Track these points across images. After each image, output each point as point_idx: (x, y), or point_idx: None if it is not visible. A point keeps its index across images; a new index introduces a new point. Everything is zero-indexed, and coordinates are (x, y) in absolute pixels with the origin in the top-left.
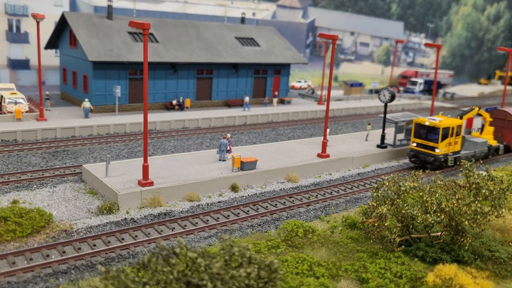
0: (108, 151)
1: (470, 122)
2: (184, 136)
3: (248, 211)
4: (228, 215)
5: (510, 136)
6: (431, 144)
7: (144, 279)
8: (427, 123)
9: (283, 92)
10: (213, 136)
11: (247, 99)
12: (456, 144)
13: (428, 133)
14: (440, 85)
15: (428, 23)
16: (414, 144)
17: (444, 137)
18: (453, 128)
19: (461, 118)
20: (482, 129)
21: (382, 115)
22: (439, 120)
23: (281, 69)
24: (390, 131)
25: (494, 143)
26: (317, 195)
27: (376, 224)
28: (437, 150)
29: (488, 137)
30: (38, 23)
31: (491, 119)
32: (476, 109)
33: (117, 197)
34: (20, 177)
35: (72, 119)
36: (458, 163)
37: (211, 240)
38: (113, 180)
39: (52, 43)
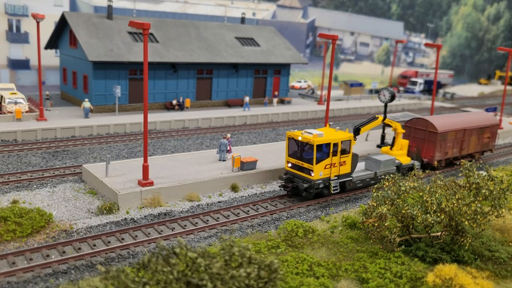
0: (108, 151)
1: None
2: (184, 136)
3: (248, 211)
4: (228, 215)
5: (432, 150)
6: (306, 165)
7: (144, 279)
8: (300, 138)
9: (283, 92)
10: (213, 136)
11: (247, 99)
12: (343, 165)
13: (303, 151)
14: (440, 85)
15: (428, 23)
16: (289, 165)
17: (323, 156)
18: (336, 144)
19: (358, 130)
20: (392, 143)
21: (382, 115)
22: (314, 135)
23: (281, 69)
24: (390, 131)
25: (406, 160)
26: None
27: (376, 224)
28: (312, 174)
29: (399, 153)
30: (38, 23)
31: (403, 131)
32: (380, 118)
33: (117, 197)
34: (20, 177)
35: (72, 119)
36: (348, 189)
37: (211, 240)
38: (113, 180)
39: (52, 43)
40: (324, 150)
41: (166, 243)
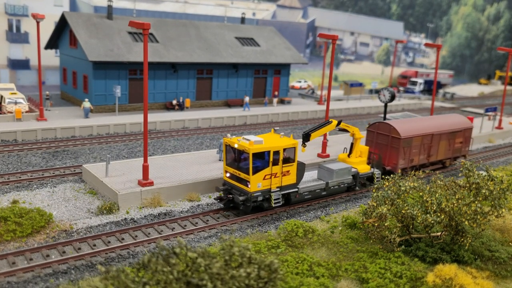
0: (108, 151)
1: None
2: (184, 136)
3: None
4: (228, 215)
5: (395, 158)
6: (243, 176)
7: (144, 279)
8: (236, 146)
9: (283, 92)
10: (213, 136)
11: (247, 99)
12: (287, 175)
13: (240, 160)
14: (440, 85)
15: (428, 23)
16: (227, 175)
17: (262, 165)
18: (276, 152)
19: (307, 135)
20: (350, 149)
21: (382, 115)
22: (250, 142)
23: (281, 69)
24: None
25: (365, 169)
26: None
27: (376, 224)
28: (249, 185)
29: (357, 161)
30: (38, 23)
31: (362, 136)
32: (334, 122)
33: (117, 197)
34: (20, 177)
35: (72, 119)
36: (294, 201)
37: (211, 240)
38: (113, 180)
39: (52, 43)
40: (263, 159)
41: (166, 243)
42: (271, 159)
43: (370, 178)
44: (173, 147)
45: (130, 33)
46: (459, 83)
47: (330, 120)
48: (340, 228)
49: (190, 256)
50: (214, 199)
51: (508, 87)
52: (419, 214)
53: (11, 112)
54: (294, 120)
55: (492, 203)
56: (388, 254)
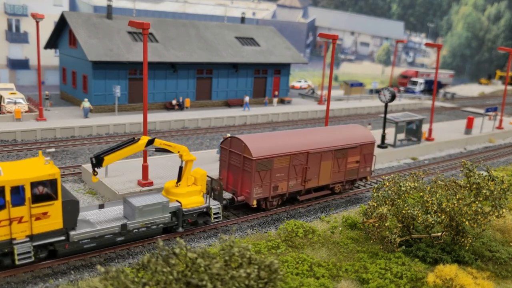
0: None
1: (470, 122)
2: (184, 136)
3: (248, 211)
4: (228, 215)
5: (249, 184)
6: None
7: (143, 280)
8: None
9: (283, 92)
10: (213, 136)
11: (247, 99)
12: (43, 219)
13: None
14: (440, 85)
15: (429, 23)
16: None
17: None
18: (17, 188)
19: (99, 159)
20: (179, 175)
21: (383, 115)
22: None
23: (281, 69)
24: (390, 131)
25: (196, 202)
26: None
27: (376, 225)
28: None
29: (186, 191)
30: (37, 23)
31: (194, 158)
32: (144, 140)
33: (117, 197)
34: None
35: (72, 119)
36: (63, 253)
37: (211, 240)
38: (113, 180)
39: (52, 43)
40: None
41: (165, 243)
42: (7, 198)
43: (204, 215)
44: None
45: (129, 33)
46: (460, 83)
47: (135, 137)
48: (340, 228)
49: (190, 257)
50: None
51: (509, 87)
52: (419, 215)
53: (10, 112)
54: (294, 120)
55: (493, 203)
56: (389, 255)
